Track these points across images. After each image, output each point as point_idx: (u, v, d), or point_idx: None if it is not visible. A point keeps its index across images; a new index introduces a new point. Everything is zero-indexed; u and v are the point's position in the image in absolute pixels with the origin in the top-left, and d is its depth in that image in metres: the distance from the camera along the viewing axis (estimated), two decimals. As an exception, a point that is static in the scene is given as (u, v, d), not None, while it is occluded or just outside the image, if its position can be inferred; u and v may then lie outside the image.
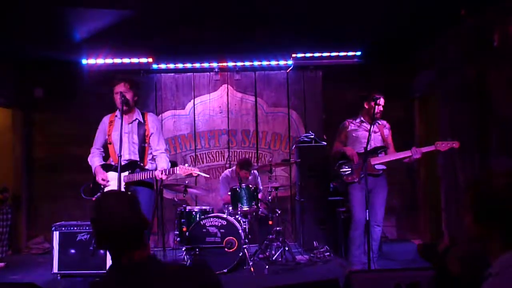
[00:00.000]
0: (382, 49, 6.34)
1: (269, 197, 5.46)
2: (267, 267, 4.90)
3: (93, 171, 4.20)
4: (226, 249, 4.93)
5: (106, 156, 4.32)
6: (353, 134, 4.72)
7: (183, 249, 5.07)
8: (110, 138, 4.17)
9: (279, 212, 5.45)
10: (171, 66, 6.69)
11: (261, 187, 6.00)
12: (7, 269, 5.44)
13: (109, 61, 6.41)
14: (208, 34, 5.64)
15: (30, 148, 6.79)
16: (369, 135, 4.43)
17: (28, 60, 6.40)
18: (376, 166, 4.58)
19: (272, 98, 6.88)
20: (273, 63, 6.75)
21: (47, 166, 6.75)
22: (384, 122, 4.80)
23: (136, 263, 1.62)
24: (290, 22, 5.15)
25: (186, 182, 5.39)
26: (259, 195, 5.56)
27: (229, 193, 5.37)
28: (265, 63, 6.74)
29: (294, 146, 6.45)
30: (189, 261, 4.95)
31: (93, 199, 4.07)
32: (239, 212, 5.20)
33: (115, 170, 3.98)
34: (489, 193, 1.48)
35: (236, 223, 5.02)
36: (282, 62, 6.74)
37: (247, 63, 6.73)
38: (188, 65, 6.70)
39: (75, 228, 4.73)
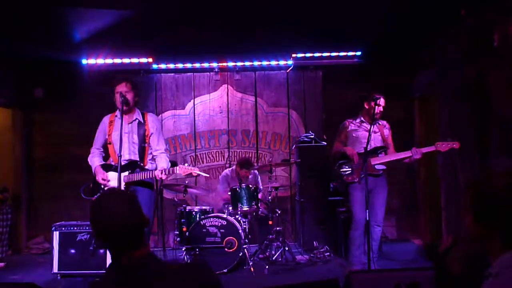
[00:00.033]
0: (382, 49, 6.33)
1: (269, 197, 5.46)
2: (267, 267, 4.90)
3: (93, 171, 4.20)
4: (226, 249, 4.93)
5: (106, 156, 4.32)
6: (353, 134, 4.72)
7: (183, 249, 5.07)
8: (110, 138, 4.17)
9: (279, 212, 5.45)
10: (171, 66, 6.68)
11: (261, 187, 6.00)
12: (7, 269, 5.44)
13: (109, 61, 6.41)
14: (208, 34, 5.64)
15: (30, 148, 6.78)
16: (369, 135, 4.43)
17: (28, 60, 6.40)
18: (376, 166, 4.58)
19: (272, 98, 6.88)
20: (273, 63, 6.75)
21: (47, 166, 6.75)
22: (384, 122, 4.80)
23: (136, 262, 1.62)
24: (290, 22, 5.14)
25: (186, 182, 5.40)
26: (259, 195, 5.56)
27: (229, 193, 5.37)
28: (265, 63, 6.73)
29: (294, 146, 6.45)
30: (189, 261, 4.94)
31: (93, 199, 4.06)
32: (239, 212, 5.20)
33: (115, 170, 3.98)
34: (489, 193, 1.48)
35: (236, 223, 5.02)
36: (282, 62, 6.73)
37: (247, 63, 6.73)
38: (188, 65, 6.70)
39: (75, 228, 4.73)
